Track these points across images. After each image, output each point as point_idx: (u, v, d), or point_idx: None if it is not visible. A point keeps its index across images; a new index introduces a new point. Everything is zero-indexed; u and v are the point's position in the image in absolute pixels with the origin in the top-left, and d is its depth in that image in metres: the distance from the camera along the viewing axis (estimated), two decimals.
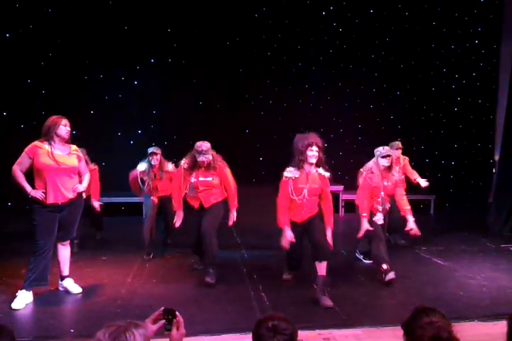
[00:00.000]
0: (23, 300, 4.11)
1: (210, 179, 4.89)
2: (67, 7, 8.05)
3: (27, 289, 4.17)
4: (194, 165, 4.89)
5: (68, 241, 4.49)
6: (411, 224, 4.90)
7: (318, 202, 4.54)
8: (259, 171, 8.76)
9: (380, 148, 4.95)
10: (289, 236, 4.36)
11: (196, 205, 4.96)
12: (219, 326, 3.73)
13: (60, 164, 4.13)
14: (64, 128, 4.21)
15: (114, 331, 1.60)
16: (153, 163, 5.70)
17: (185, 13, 8.54)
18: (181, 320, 1.96)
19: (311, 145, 4.32)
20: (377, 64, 9.17)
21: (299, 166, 4.40)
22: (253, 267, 5.35)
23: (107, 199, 7.84)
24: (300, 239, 4.52)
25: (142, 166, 5.72)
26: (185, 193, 5.02)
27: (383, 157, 4.86)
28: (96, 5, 8.18)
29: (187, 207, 5.05)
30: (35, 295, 4.24)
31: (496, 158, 8.86)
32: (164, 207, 5.94)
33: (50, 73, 8.15)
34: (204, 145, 4.80)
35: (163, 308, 1.98)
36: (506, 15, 9.06)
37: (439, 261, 5.57)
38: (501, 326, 2.22)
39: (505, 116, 7.81)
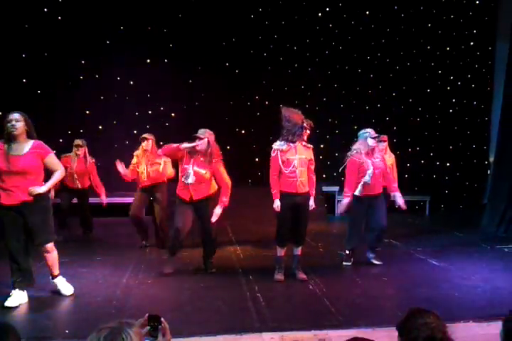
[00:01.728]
0: (17, 299, 4.09)
1: (203, 171, 4.87)
2: (64, 7, 8.05)
3: (19, 289, 4.15)
4: (192, 151, 4.89)
5: (50, 245, 4.19)
6: (398, 200, 5.48)
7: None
8: (255, 172, 8.76)
9: (369, 130, 5.39)
10: (277, 207, 4.78)
11: (187, 198, 4.92)
12: (214, 327, 3.72)
13: (10, 166, 3.89)
14: (8, 124, 3.92)
15: (109, 333, 1.57)
16: (145, 148, 5.92)
17: (182, 13, 8.55)
18: (167, 326, 1.93)
19: (308, 123, 4.78)
20: (373, 65, 9.19)
21: (292, 140, 4.73)
22: (249, 267, 5.34)
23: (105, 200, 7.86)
24: (290, 211, 4.81)
25: (136, 152, 6.05)
26: (178, 187, 5.00)
27: (373, 138, 5.31)
28: (93, 5, 8.16)
29: (176, 200, 5.05)
30: (29, 295, 4.22)
31: (491, 159, 8.90)
32: (154, 198, 6.07)
33: (46, 73, 8.13)
34: (202, 131, 4.89)
35: (147, 315, 1.94)
36: (501, 17, 9.10)
37: (433, 262, 5.58)
38: (496, 327, 2.24)
39: (499, 117, 7.85)
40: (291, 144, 4.73)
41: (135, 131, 8.55)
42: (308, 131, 4.85)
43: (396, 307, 4.10)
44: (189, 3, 8.50)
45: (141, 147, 6.00)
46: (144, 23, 8.39)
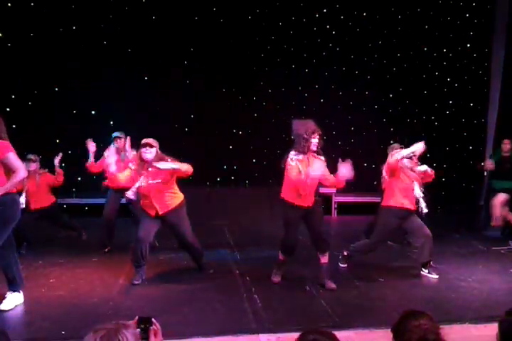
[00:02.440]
0: (12, 301, 4.06)
1: (158, 180, 4.65)
2: (63, 9, 8.05)
3: (14, 291, 4.12)
4: (142, 166, 4.70)
5: None
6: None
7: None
8: (252, 173, 8.76)
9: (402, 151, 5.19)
10: None
11: (152, 213, 4.76)
12: (211, 328, 3.73)
13: None
14: None
15: (105, 335, 1.56)
16: (116, 145, 5.77)
17: (179, 14, 8.53)
18: (158, 327, 1.89)
19: (314, 132, 4.56)
20: (370, 67, 9.20)
21: (303, 152, 4.58)
22: (245, 269, 5.33)
23: (99, 200, 7.83)
24: (298, 223, 4.72)
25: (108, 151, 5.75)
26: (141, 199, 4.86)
27: (409, 158, 5.15)
28: (91, 6, 8.17)
29: (141, 212, 4.93)
30: (25, 296, 4.20)
31: None
32: (129, 204, 5.92)
33: (45, 74, 8.13)
34: (148, 139, 4.68)
35: (137, 317, 1.90)
36: (498, 19, 9.13)
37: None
38: (492, 328, 2.24)
39: (496, 119, 7.87)
40: (304, 155, 4.58)
41: (133, 133, 8.56)
42: (316, 141, 4.58)
43: (393, 308, 4.10)
44: (186, 4, 8.49)
45: (112, 145, 5.76)
46: (142, 24, 8.37)
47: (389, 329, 2.10)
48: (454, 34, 9.27)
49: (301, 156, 4.57)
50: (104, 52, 8.28)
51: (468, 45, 9.36)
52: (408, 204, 5.16)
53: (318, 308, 4.19)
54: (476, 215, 7.99)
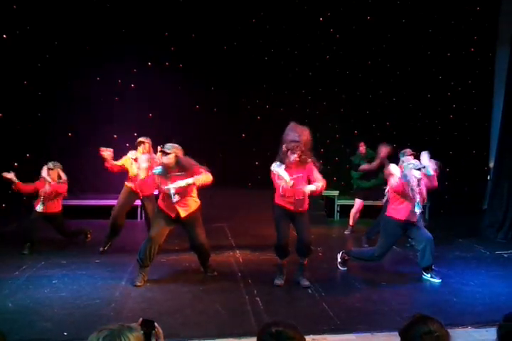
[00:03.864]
0: None
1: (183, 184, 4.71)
2: (66, 8, 8.09)
3: None
4: (165, 170, 4.74)
5: None
6: None
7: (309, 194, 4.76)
8: (254, 175, 8.77)
9: (413, 161, 5.21)
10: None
11: (173, 215, 4.81)
12: (213, 330, 3.72)
13: None
14: None
15: (108, 335, 1.57)
16: (142, 152, 5.80)
17: (183, 17, 8.57)
18: (160, 331, 1.89)
19: (293, 149, 4.58)
20: (374, 70, 9.21)
21: (283, 161, 4.65)
22: (248, 271, 5.33)
23: (101, 201, 7.87)
24: (288, 226, 4.82)
25: (132, 154, 5.89)
26: (160, 200, 4.90)
27: (418, 169, 5.08)
28: (94, 7, 8.21)
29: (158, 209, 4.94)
30: (28, 297, 4.21)
31: (491, 165, 8.90)
32: (144, 206, 6.03)
33: (46, 75, 8.16)
34: (169, 146, 4.72)
35: (141, 319, 1.90)
36: (501, 23, 9.13)
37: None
38: (494, 333, 2.23)
39: (500, 123, 7.85)
40: (288, 164, 4.61)
41: (135, 134, 8.56)
42: (294, 156, 4.59)
43: (395, 312, 4.10)
44: (191, 7, 8.53)
45: (137, 151, 5.87)
46: (146, 26, 8.41)
47: (391, 333, 2.08)
48: (457, 38, 9.27)
49: (282, 166, 4.58)
50: (109, 54, 8.31)
51: (472, 49, 9.36)
52: (411, 218, 5.11)
53: (320, 311, 4.18)
54: (479, 219, 7.97)
